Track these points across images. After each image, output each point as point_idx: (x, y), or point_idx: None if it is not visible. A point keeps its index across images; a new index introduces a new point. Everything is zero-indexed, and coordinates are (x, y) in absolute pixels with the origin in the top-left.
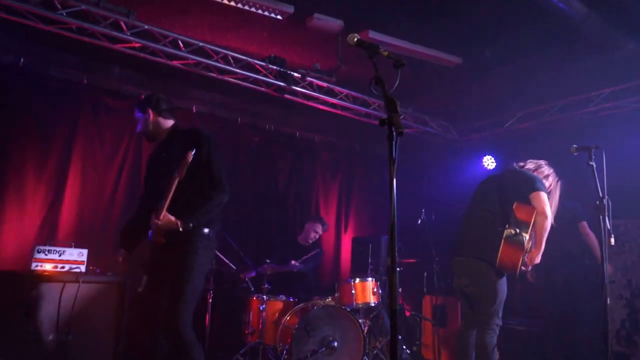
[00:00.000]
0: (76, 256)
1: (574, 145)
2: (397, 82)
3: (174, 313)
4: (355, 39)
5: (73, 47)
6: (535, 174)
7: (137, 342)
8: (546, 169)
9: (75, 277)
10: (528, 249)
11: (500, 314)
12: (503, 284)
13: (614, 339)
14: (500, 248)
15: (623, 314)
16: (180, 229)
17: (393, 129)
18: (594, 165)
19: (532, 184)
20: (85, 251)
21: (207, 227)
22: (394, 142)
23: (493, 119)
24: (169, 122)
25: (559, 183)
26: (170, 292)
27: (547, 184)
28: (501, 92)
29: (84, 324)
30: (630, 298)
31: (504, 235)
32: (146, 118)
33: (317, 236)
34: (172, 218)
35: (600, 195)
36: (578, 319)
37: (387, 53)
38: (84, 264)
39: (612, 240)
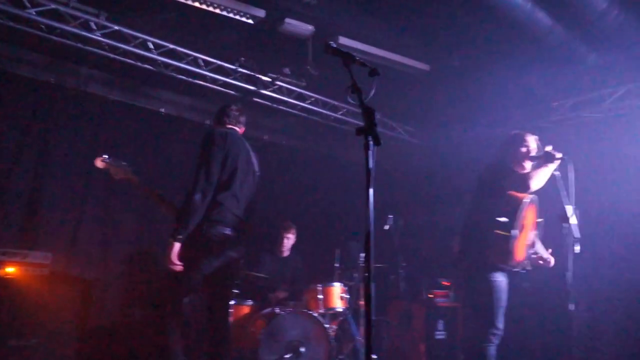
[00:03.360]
0: (40, 259)
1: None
2: (373, 91)
3: None
4: (331, 47)
5: (41, 47)
6: None
7: None
8: None
9: (39, 280)
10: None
11: (497, 322)
12: (493, 289)
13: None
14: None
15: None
16: None
17: (370, 138)
18: (559, 174)
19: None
20: (49, 254)
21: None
22: (370, 152)
23: (460, 126)
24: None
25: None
26: None
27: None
28: (468, 99)
29: (47, 327)
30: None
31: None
32: None
33: (292, 243)
34: None
35: (564, 203)
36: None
37: (362, 62)
38: (48, 267)
39: (578, 248)
